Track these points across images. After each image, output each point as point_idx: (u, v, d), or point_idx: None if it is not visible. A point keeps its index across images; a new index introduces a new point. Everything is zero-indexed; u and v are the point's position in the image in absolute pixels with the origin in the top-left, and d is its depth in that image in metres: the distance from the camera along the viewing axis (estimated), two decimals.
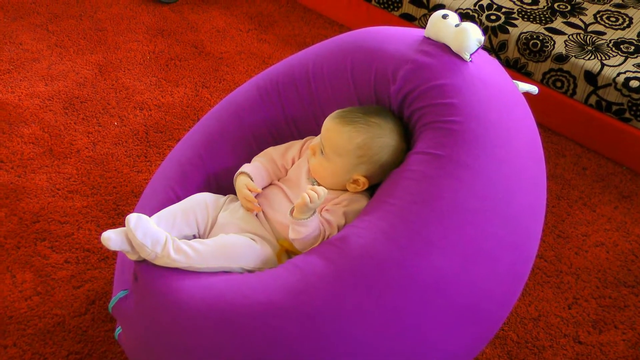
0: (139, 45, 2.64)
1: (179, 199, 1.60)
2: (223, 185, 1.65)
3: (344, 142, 1.48)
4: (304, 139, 1.65)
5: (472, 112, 1.44)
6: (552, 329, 1.83)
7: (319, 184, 1.52)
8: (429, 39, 1.55)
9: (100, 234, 1.92)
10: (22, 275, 1.84)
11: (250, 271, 1.47)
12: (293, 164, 1.62)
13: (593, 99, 2.27)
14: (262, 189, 1.58)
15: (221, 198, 1.59)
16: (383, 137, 1.48)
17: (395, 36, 1.59)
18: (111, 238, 1.41)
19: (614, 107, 2.24)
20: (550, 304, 1.89)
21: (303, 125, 1.67)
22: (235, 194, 1.60)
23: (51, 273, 1.86)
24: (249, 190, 1.53)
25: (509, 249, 1.43)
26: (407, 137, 1.52)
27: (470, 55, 1.49)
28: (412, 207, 1.38)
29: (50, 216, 1.99)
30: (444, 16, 1.51)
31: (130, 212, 1.97)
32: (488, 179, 1.41)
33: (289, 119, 1.68)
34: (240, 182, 1.56)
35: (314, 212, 1.44)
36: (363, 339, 1.33)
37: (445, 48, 1.51)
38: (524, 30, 2.36)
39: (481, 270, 1.39)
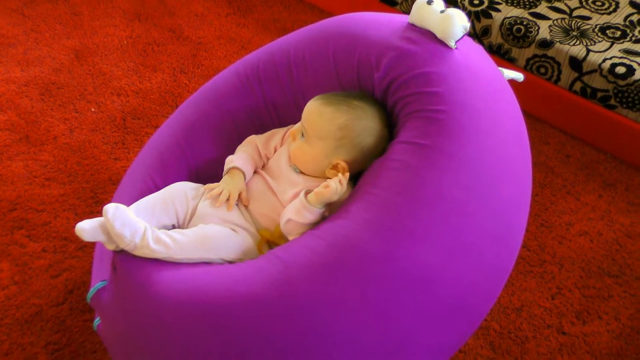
0: (115, 30, 2.59)
1: (158, 188, 1.56)
2: (203, 175, 1.61)
3: (326, 123, 1.45)
4: (286, 127, 1.62)
5: (458, 101, 1.42)
6: (536, 319, 1.82)
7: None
8: (413, 25, 1.51)
9: (77, 222, 1.88)
10: None
11: (230, 262, 1.44)
12: (275, 152, 1.59)
13: (578, 86, 2.25)
14: None
15: (201, 187, 1.55)
16: (365, 120, 1.45)
17: (378, 22, 1.56)
18: (85, 229, 1.37)
19: (599, 94, 2.22)
20: (533, 294, 1.87)
21: (284, 113, 1.64)
22: (214, 182, 1.57)
23: (28, 262, 1.82)
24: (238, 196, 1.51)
25: (494, 241, 1.41)
26: (390, 124, 1.49)
27: (456, 42, 1.46)
28: (396, 197, 1.35)
29: (27, 204, 1.95)
30: (429, 2, 1.48)
31: (109, 201, 1.95)
32: (473, 169, 1.38)
33: (269, 106, 1.64)
34: (235, 182, 1.52)
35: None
36: (347, 332, 1.30)
37: (429, 35, 1.48)
38: (508, 15, 2.33)
39: (467, 263, 1.36)
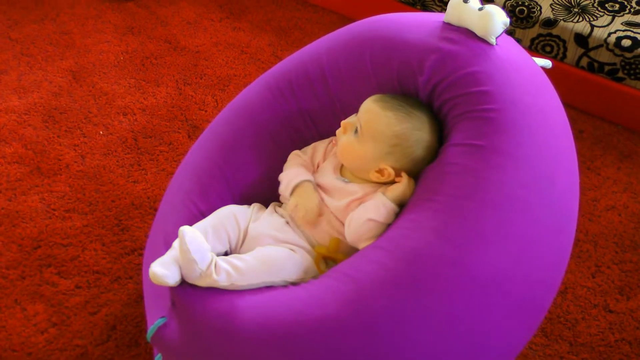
0: (109, 46, 2.52)
1: (202, 213, 1.52)
2: (246, 195, 1.57)
3: (383, 126, 1.43)
4: (327, 141, 1.58)
5: (507, 98, 1.40)
6: (581, 300, 1.83)
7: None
8: (449, 24, 1.49)
9: (107, 253, 1.84)
10: (33, 306, 1.75)
11: (293, 283, 1.41)
12: (318, 167, 1.56)
13: (585, 61, 2.26)
14: None
15: (248, 209, 1.52)
16: (421, 132, 1.43)
17: (413, 24, 1.53)
18: (167, 275, 1.33)
19: (607, 68, 2.23)
20: (574, 274, 1.88)
21: (322, 123, 1.60)
22: (259, 202, 1.55)
23: (63, 301, 1.76)
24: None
25: (555, 234, 1.40)
26: (441, 135, 1.47)
27: (496, 38, 1.45)
28: (460, 202, 1.33)
29: (51, 239, 1.89)
30: (465, 0, 1.46)
31: (135, 227, 1.91)
32: (531, 166, 1.37)
33: (306, 117, 1.60)
34: (310, 196, 1.48)
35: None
36: (427, 343, 1.28)
37: (469, 33, 1.46)
38: None
39: (532, 260, 1.35)
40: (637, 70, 2.18)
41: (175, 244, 1.37)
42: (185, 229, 1.32)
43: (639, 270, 1.90)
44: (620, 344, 1.75)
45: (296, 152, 1.58)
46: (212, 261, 1.34)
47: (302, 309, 1.30)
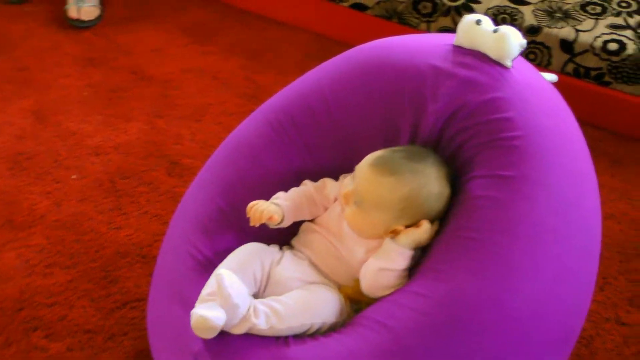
0: (71, 80, 2.37)
1: (209, 260, 1.42)
2: (254, 238, 1.46)
3: (386, 193, 1.32)
4: (344, 176, 1.49)
5: (530, 124, 1.33)
6: (593, 315, 1.77)
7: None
8: (460, 47, 1.42)
9: (96, 309, 1.72)
10: None
11: (332, 325, 1.32)
12: (335, 200, 1.46)
13: (570, 67, 2.21)
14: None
15: (270, 248, 1.42)
16: (429, 186, 1.33)
17: (420, 48, 1.45)
18: (218, 317, 1.22)
19: (593, 72, 2.19)
20: None
21: (328, 161, 1.51)
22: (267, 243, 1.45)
23: None
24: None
25: (585, 257, 1.35)
26: (452, 180, 1.38)
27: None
28: (494, 237, 1.25)
29: (34, 299, 1.74)
30: (478, 22, 1.38)
31: (124, 278, 1.78)
32: (559, 192, 1.31)
33: (313, 155, 1.50)
34: (272, 208, 1.40)
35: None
36: None
37: (483, 57, 1.39)
38: (490, 6, 2.26)
39: (569, 288, 1.30)
40: (624, 74, 2.15)
41: (207, 289, 1.28)
42: (223, 273, 1.23)
43: None
44: (638, 358, 1.70)
45: (306, 181, 1.49)
46: (250, 304, 1.25)
47: None
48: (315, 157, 1.51)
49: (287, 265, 1.39)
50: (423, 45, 1.46)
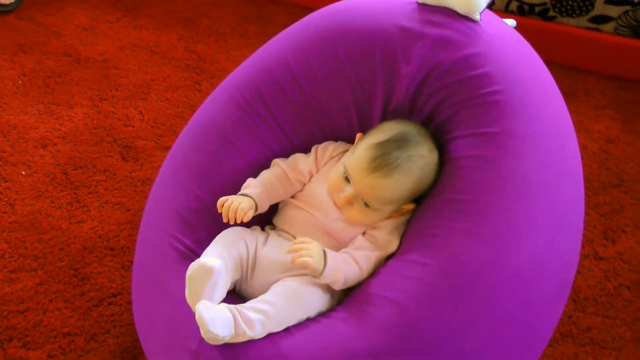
0: (2, 71, 2.23)
1: (191, 250, 1.37)
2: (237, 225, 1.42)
3: (395, 192, 1.30)
4: (316, 148, 1.45)
5: (508, 78, 1.32)
6: None
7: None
8: (425, 5, 1.38)
9: (72, 309, 1.66)
10: None
11: (327, 309, 1.30)
12: (311, 176, 1.43)
13: (514, 5, 2.21)
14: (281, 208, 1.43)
15: (252, 231, 1.38)
16: (428, 164, 1.32)
17: (384, 9, 1.40)
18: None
19: (537, 9, 2.20)
20: None
21: (302, 134, 1.46)
22: (257, 225, 1.42)
23: None
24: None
25: (575, 206, 1.36)
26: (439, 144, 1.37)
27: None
28: (484, 197, 1.25)
29: (4, 308, 1.66)
30: None
31: (95, 274, 1.71)
32: (543, 143, 1.31)
33: (286, 132, 1.45)
34: (243, 204, 1.34)
35: (325, 256, 1.26)
36: (479, 348, 1.21)
37: (451, 13, 1.36)
38: None
39: (563, 237, 1.31)
40: (568, 7, 2.16)
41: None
42: (201, 312, 1.15)
43: (614, 211, 1.90)
44: (620, 290, 1.75)
45: (276, 160, 1.44)
46: (235, 321, 1.19)
47: (347, 343, 1.20)
48: (288, 134, 1.46)
49: (273, 248, 1.35)
50: (387, 6, 1.42)
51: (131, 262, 1.74)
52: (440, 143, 1.35)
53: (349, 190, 1.31)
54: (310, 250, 1.25)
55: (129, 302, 1.66)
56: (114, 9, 2.46)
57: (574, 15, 2.17)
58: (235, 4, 2.50)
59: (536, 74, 1.37)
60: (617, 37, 2.22)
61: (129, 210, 1.86)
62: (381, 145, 1.30)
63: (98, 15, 2.43)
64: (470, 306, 1.20)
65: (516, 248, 1.23)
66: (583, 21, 2.18)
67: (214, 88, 2.17)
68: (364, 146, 1.31)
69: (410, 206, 1.35)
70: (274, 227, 1.44)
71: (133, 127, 2.07)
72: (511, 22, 1.56)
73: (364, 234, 1.36)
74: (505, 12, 2.22)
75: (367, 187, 1.30)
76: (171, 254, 1.38)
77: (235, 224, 1.36)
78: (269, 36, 2.36)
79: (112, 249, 1.77)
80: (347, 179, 1.32)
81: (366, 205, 1.31)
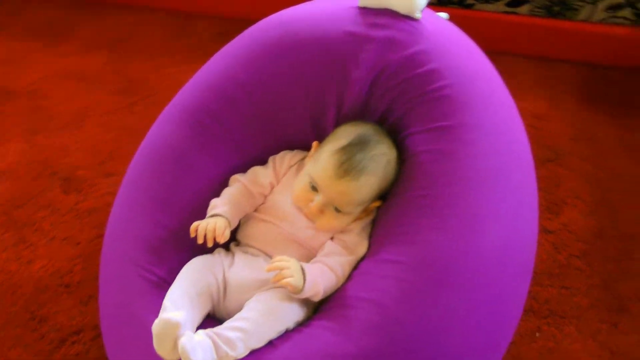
0: None
1: (163, 280, 1.34)
2: (204, 247, 1.38)
3: (365, 193, 1.33)
4: (273, 159, 1.45)
5: (454, 72, 1.35)
6: None
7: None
8: (366, 8, 1.40)
9: (34, 354, 1.61)
10: None
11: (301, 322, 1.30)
12: (272, 188, 1.43)
13: None
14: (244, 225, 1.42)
15: (215, 257, 1.37)
16: (390, 160, 1.34)
17: (328, 16, 1.41)
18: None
19: None
20: None
21: (261, 147, 1.46)
22: (220, 247, 1.40)
23: None
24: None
25: (530, 189, 1.40)
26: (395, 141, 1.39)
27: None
28: (448, 189, 1.27)
29: None
30: None
31: (54, 315, 1.66)
32: (495, 131, 1.34)
33: (243, 149, 1.44)
34: (218, 224, 1.33)
35: (303, 271, 1.27)
36: (462, 336, 1.23)
37: (392, 14, 1.38)
38: None
39: (523, 219, 1.34)
40: None
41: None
42: (184, 344, 1.15)
43: (554, 185, 1.96)
44: (571, 260, 1.81)
45: (235, 176, 1.44)
46: (216, 344, 1.19)
47: (333, 350, 1.20)
48: (244, 148, 1.45)
49: (242, 268, 1.35)
50: (331, 13, 1.43)
51: (89, 296, 1.70)
52: (396, 140, 1.38)
53: (318, 199, 1.33)
54: (291, 269, 1.25)
55: (94, 338, 1.62)
56: (34, 38, 2.39)
57: (491, 1, 2.23)
58: (158, 22, 2.47)
59: (479, 65, 1.41)
60: (534, 19, 2.29)
61: (78, 243, 1.81)
62: (344, 150, 1.31)
63: (19, 47, 2.36)
64: (448, 298, 1.22)
65: (482, 235, 1.26)
66: (500, 6, 2.25)
67: (149, 109, 2.15)
68: (327, 154, 1.32)
69: (377, 203, 1.37)
70: (238, 243, 1.43)
71: (70, 157, 2.02)
72: (444, 15, 1.60)
73: (332, 238, 1.37)
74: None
75: (337, 193, 1.31)
76: (144, 286, 1.35)
77: (206, 248, 1.36)
78: (197, 51, 2.35)
79: (67, 286, 1.73)
80: (313, 188, 1.33)
81: (337, 210, 1.33)
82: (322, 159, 1.33)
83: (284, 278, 1.24)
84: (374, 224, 1.39)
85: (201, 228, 1.31)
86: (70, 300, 1.70)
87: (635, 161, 2.04)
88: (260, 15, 2.38)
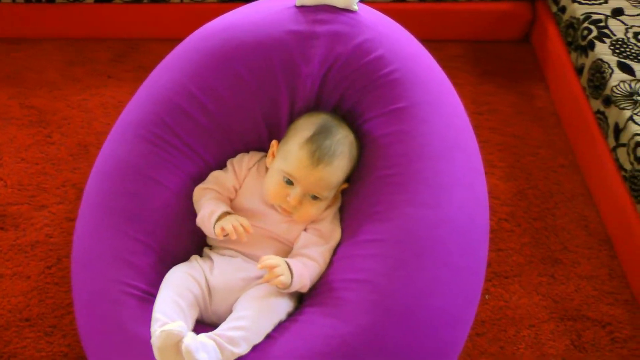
0: None
1: (148, 293, 1.36)
2: (179, 256, 1.43)
3: (338, 175, 1.41)
4: (232, 162, 1.50)
5: (399, 56, 1.46)
6: None
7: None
8: (304, 6, 1.48)
9: None
10: None
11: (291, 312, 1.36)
12: (236, 191, 1.48)
13: None
14: None
15: (193, 263, 1.40)
16: (352, 142, 1.43)
17: (268, 18, 1.48)
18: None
19: None
20: None
21: (219, 155, 1.50)
22: (190, 255, 1.44)
23: None
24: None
25: (477, 155, 1.51)
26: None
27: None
28: (413, 165, 1.38)
29: None
30: None
31: (17, 349, 1.62)
32: (444, 105, 1.47)
33: (202, 156, 1.48)
34: (239, 218, 1.38)
35: (289, 268, 1.34)
36: (444, 300, 1.33)
37: (331, 9, 1.47)
38: None
39: (479, 184, 1.47)
40: None
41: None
42: (188, 345, 1.18)
43: None
44: (501, 224, 1.95)
45: (200, 187, 1.48)
46: (219, 344, 1.23)
47: (334, 332, 1.26)
48: (204, 157, 1.49)
49: (223, 272, 1.38)
50: (269, 15, 1.50)
51: (52, 326, 1.68)
52: (353, 126, 1.46)
53: (296, 191, 1.39)
54: (281, 267, 1.31)
55: None
56: None
57: None
58: (53, 51, 2.44)
59: (415, 47, 1.52)
60: (421, 4, 2.45)
61: (29, 277, 1.78)
62: (312, 139, 1.39)
63: None
64: (432, 267, 1.32)
65: (450, 203, 1.37)
66: None
67: (66, 137, 2.12)
68: (296, 147, 1.39)
69: (345, 185, 1.45)
70: (211, 247, 1.47)
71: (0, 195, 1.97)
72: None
73: (305, 229, 1.43)
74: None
75: (315, 180, 1.38)
76: (131, 303, 1.35)
77: (181, 257, 1.42)
78: (99, 75, 2.38)
79: (27, 320, 1.70)
80: (288, 182, 1.39)
81: (315, 198, 1.39)
82: (292, 153, 1.40)
83: (276, 277, 1.30)
84: (342, 210, 1.47)
85: (229, 227, 1.35)
86: (33, 333, 1.68)
87: (537, 124, 2.24)
88: (155, 34, 2.44)
